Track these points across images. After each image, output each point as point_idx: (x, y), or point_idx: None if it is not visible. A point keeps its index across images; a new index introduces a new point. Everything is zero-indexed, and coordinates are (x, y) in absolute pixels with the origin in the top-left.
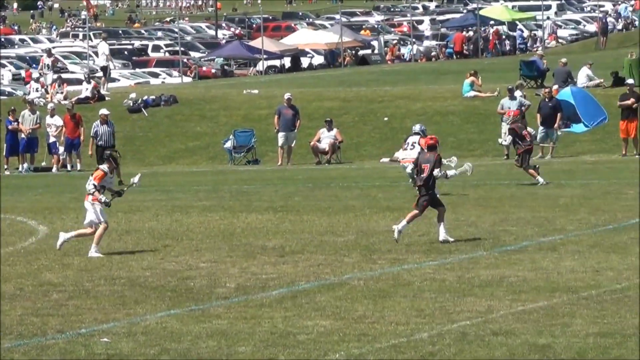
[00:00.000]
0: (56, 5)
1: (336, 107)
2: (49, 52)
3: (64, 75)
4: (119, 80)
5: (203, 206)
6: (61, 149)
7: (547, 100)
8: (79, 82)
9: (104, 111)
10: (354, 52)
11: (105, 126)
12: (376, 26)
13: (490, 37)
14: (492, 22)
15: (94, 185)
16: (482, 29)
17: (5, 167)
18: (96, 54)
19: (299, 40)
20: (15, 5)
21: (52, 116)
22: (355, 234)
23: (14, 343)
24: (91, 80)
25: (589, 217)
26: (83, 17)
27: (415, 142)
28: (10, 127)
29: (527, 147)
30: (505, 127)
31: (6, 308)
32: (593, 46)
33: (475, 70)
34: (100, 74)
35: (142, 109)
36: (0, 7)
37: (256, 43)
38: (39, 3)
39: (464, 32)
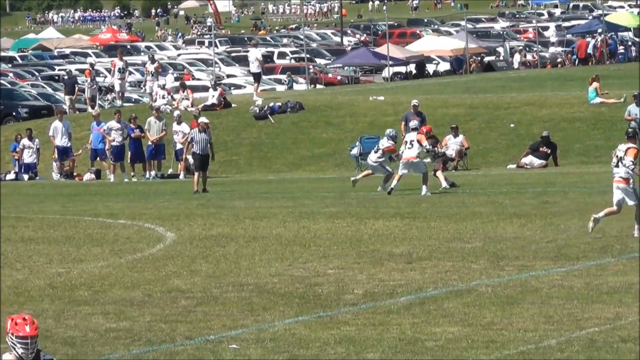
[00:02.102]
0: (181, 13)
1: (462, 114)
2: (152, 59)
3: (189, 83)
4: (244, 87)
5: (330, 213)
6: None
7: None
8: (205, 89)
9: (203, 119)
10: (479, 58)
11: (203, 134)
12: (501, 32)
13: (617, 44)
14: (618, 29)
15: None
16: (608, 35)
17: (132, 174)
18: (222, 60)
19: (424, 46)
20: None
21: (179, 123)
22: (482, 241)
23: (143, 349)
24: (217, 87)
25: None
26: (209, 24)
27: (413, 140)
28: (132, 135)
29: None
30: None
31: (135, 314)
32: None
33: (597, 75)
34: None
35: (269, 116)
36: (126, 15)
37: (382, 50)
38: (157, 11)
39: (589, 39)
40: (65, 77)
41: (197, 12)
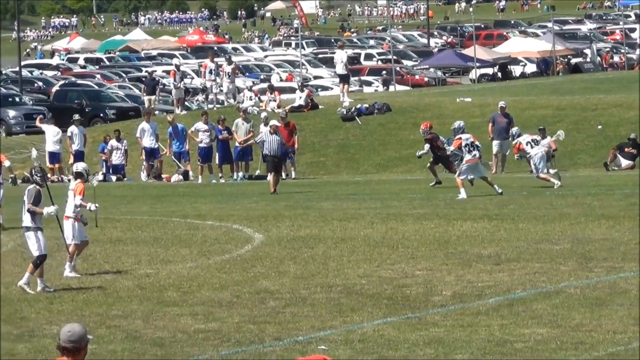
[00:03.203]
0: (268, 14)
1: (549, 115)
2: (228, 60)
3: (276, 84)
4: (331, 88)
5: (418, 214)
6: None
7: None
8: (292, 90)
9: (274, 122)
10: (566, 60)
11: (275, 136)
12: (588, 34)
13: None
14: None
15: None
16: None
17: (220, 175)
18: (309, 62)
19: (511, 48)
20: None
21: (266, 124)
22: (570, 242)
23: (232, 350)
24: (304, 88)
25: None
26: (295, 25)
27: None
28: (220, 136)
29: None
30: None
31: (223, 315)
32: None
33: None
34: (309, 81)
35: (356, 117)
36: (212, 16)
37: (468, 51)
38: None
39: None
40: (146, 78)
41: (284, 13)
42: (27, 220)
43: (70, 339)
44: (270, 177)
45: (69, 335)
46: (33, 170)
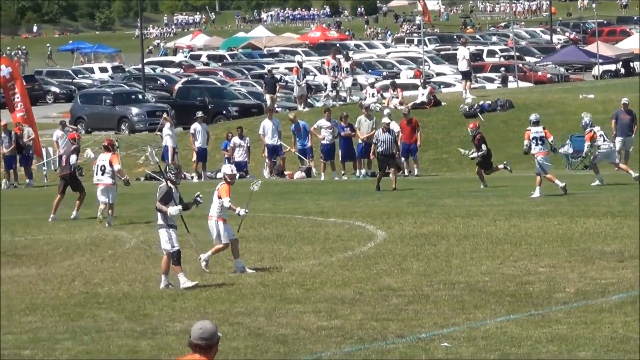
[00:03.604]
0: (389, 9)
1: None
2: (346, 56)
3: (399, 81)
4: (454, 85)
5: (541, 211)
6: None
7: None
8: (414, 87)
9: (385, 120)
10: None
11: (387, 134)
12: None
13: None
14: None
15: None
16: None
17: (343, 172)
18: (431, 59)
19: (634, 44)
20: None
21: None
22: None
23: (355, 347)
24: (427, 85)
25: None
26: (418, 22)
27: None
28: (342, 133)
29: None
30: None
31: (346, 312)
32: None
33: None
34: (432, 78)
35: (479, 114)
36: (334, 13)
37: (591, 48)
38: (360, 9)
39: None
40: (266, 76)
41: (406, 10)
42: (159, 217)
43: (201, 336)
44: (378, 174)
45: (201, 333)
46: (167, 168)
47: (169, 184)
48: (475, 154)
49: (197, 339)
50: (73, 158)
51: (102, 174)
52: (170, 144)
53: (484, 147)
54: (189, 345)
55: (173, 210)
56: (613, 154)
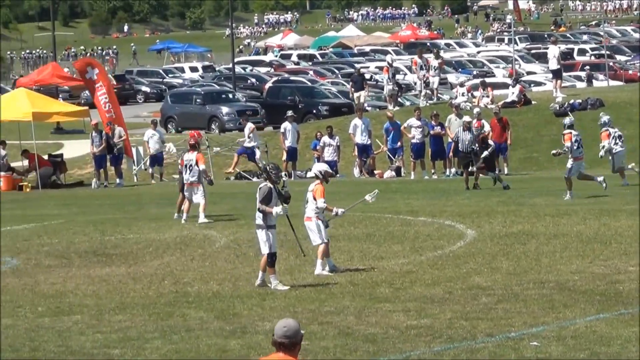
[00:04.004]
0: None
1: None
2: (436, 54)
3: (491, 80)
4: (544, 84)
5: (631, 210)
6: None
7: None
8: (505, 86)
9: (466, 118)
10: None
11: (467, 132)
12: None
13: None
14: None
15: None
16: None
17: (433, 171)
18: (522, 57)
19: None
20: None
21: (479, 120)
22: None
23: (444, 346)
24: (517, 84)
25: None
26: (508, 20)
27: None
28: (432, 132)
29: None
30: None
31: (436, 311)
32: None
33: None
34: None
35: (569, 113)
36: (424, 12)
37: None
38: (445, 8)
39: None
40: (354, 75)
41: (497, 8)
42: (258, 218)
43: (285, 334)
44: (464, 174)
45: (285, 331)
46: (267, 168)
47: (270, 184)
48: (486, 152)
49: (281, 337)
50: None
51: (189, 173)
52: (253, 143)
53: (490, 146)
54: (273, 343)
55: (278, 209)
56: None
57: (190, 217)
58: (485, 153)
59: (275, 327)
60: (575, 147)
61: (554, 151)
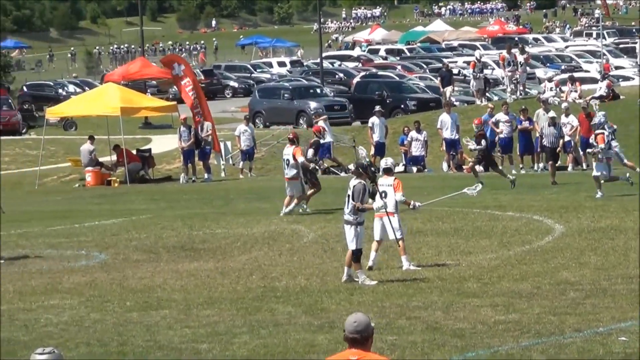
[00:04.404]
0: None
1: None
2: (521, 50)
3: (577, 74)
4: (633, 79)
5: None
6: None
7: None
8: (593, 81)
9: (552, 113)
10: None
11: (552, 128)
12: None
13: None
14: None
15: None
16: None
17: (521, 166)
18: (610, 52)
19: None
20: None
21: (566, 115)
22: None
23: (532, 341)
24: (605, 79)
25: None
26: (596, 15)
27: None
28: (520, 126)
29: None
30: None
31: (524, 306)
32: None
33: None
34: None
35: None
36: (514, 7)
37: None
38: (530, 3)
39: None
40: (441, 70)
41: (585, 3)
42: (349, 214)
43: (357, 329)
44: (550, 168)
45: (355, 326)
46: (365, 165)
47: (363, 181)
48: (473, 146)
49: (352, 333)
50: (310, 152)
51: (287, 167)
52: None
53: (483, 142)
54: (345, 339)
55: (378, 204)
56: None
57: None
58: (473, 146)
59: (346, 323)
60: (607, 148)
61: (589, 150)
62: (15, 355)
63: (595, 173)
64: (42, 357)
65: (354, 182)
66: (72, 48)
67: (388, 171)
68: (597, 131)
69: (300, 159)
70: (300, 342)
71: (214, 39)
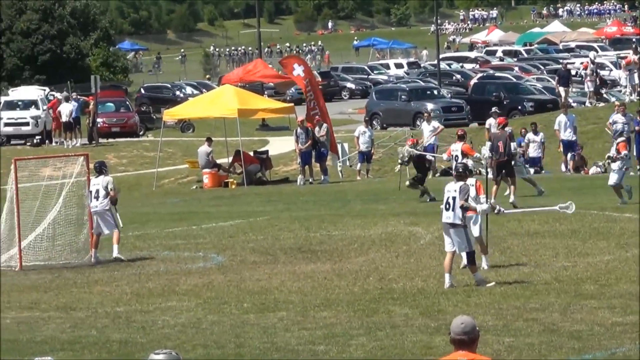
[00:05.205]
0: None
1: None
2: (634, 50)
3: None
4: None
5: None
6: None
7: None
8: None
9: None
10: None
11: None
12: None
13: None
14: None
15: None
16: None
17: (638, 167)
18: None
19: None
20: None
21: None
22: None
23: None
24: None
25: None
26: None
27: None
28: (637, 127)
29: None
30: None
31: None
32: None
33: None
34: None
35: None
36: (632, 7)
37: None
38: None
39: None
40: (560, 70)
41: None
42: (456, 217)
43: (464, 331)
44: None
45: (463, 327)
46: (468, 166)
47: (464, 182)
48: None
49: (459, 335)
50: (513, 145)
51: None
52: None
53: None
54: (452, 342)
55: (484, 207)
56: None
57: None
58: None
59: (452, 325)
60: (628, 158)
61: (609, 153)
62: (132, 356)
63: None
64: (161, 359)
65: (461, 183)
66: (182, 50)
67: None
68: None
69: (477, 155)
70: (417, 344)
71: (319, 41)
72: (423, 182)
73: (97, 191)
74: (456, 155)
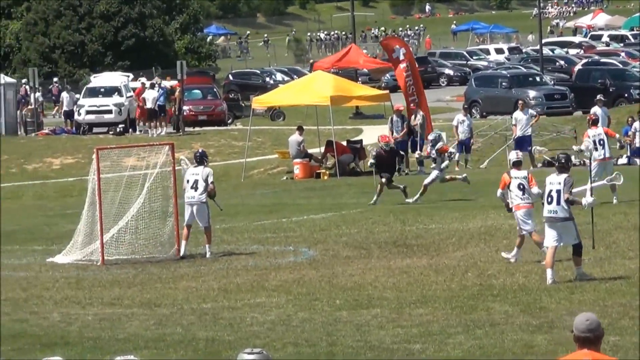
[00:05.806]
0: None
1: None
2: None
3: None
4: None
5: None
6: None
7: None
8: None
9: None
10: None
11: None
12: None
13: None
14: None
15: None
16: None
17: None
18: None
19: None
20: None
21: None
22: None
23: None
24: None
25: None
26: None
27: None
28: None
29: None
30: None
31: None
32: None
33: None
34: None
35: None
36: None
37: None
38: None
39: None
40: None
41: None
42: (563, 210)
43: (589, 328)
44: None
45: (588, 324)
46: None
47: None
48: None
49: (584, 332)
50: None
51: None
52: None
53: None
54: (576, 340)
55: (590, 200)
56: None
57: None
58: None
59: (576, 322)
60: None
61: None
62: (219, 355)
63: None
64: (251, 357)
65: (560, 177)
66: (265, 35)
67: (518, 164)
68: None
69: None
70: (517, 343)
71: (382, 27)
72: (391, 182)
73: (196, 182)
74: (600, 140)
